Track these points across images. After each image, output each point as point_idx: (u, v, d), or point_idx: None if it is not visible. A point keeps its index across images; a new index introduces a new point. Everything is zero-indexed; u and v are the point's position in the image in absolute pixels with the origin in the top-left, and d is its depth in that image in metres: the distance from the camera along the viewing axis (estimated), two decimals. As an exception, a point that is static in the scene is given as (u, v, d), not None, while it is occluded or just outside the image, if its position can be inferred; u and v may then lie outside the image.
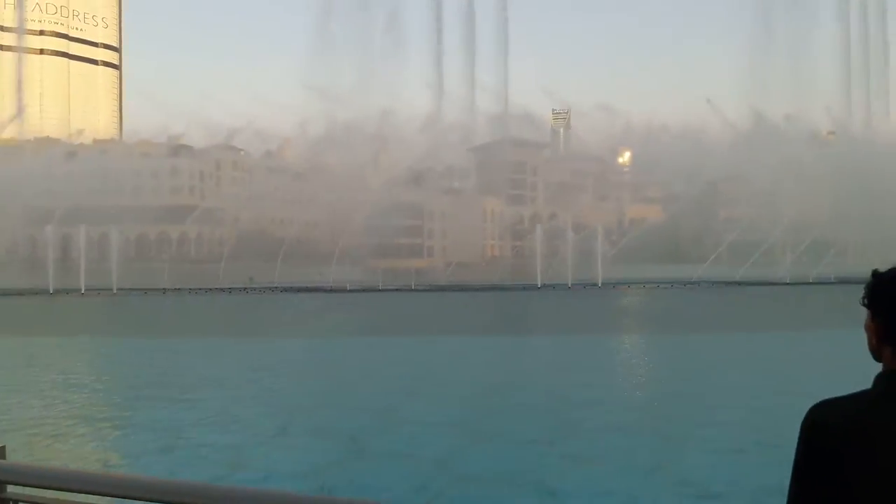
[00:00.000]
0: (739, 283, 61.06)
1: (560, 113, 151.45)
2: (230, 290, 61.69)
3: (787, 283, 60.50)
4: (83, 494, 2.70)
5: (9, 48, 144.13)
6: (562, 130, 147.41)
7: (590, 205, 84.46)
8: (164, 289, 61.62)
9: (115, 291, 60.41)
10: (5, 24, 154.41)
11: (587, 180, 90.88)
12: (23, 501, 2.76)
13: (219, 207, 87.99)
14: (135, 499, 2.57)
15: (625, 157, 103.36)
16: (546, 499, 9.69)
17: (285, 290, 60.94)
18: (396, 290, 61.21)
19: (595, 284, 62.53)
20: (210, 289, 62.14)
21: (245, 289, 62.51)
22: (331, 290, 60.09)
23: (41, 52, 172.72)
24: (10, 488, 2.81)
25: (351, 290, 60.48)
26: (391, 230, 75.79)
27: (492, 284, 63.99)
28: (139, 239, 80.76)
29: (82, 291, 60.69)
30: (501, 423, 13.85)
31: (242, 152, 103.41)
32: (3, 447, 3.06)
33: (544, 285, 62.35)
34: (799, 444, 1.61)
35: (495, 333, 31.30)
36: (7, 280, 56.02)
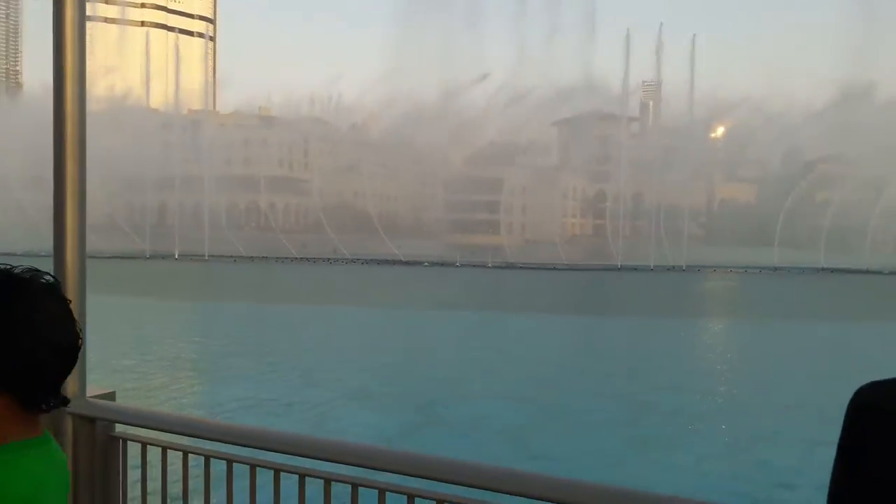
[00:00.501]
0: (832, 271, 58.31)
1: (650, 85, 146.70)
2: (314, 260, 63.53)
3: (884, 273, 57.33)
4: (177, 435, 3.04)
5: (113, 20, 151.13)
6: (651, 104, 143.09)
7: (678, 183, 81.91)
8: (251, 257, 64.03)
9: (206, 258, 63.27)
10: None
11: (676, 156, 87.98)
12: (130, 440, 3.13)
13: (305, 179, 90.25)
14: (224, 442, 2.88)
15: (717, 133, 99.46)
16: (615, 479, 9.77)
17: (367, 261, 62.29)
18: (473, 266, 61.46)
19: (679, 267, 61.01)
20: (295, 258, 64.24)
21: (329, 259, 64.23)
22: (408, 264, 61.00)
23: (142, 24, 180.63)
24: (119, 427, 3.19)
25: (428, 265, 61.17)
26: (469, 205, 75.89)
27: (570, 264, 63.32)
28: (230, 208, 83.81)
29: (176, 256, 63.84)
30: (573, 402, 13.95)
31: (330, 124, 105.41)
32: (114, 392, 3.45)
33: (624, 266, 61.27)
34: (844, 426, 1.48)
35: (571, 313, 31.17)
36: (107, 244, 59.39)
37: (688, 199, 74.86)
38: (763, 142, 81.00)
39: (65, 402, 1.46)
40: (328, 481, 2.66)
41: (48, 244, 3.17)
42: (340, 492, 2.66)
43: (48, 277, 1.44)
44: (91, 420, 3.09)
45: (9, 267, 1.43)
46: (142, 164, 73.72)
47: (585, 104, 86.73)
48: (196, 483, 2.93)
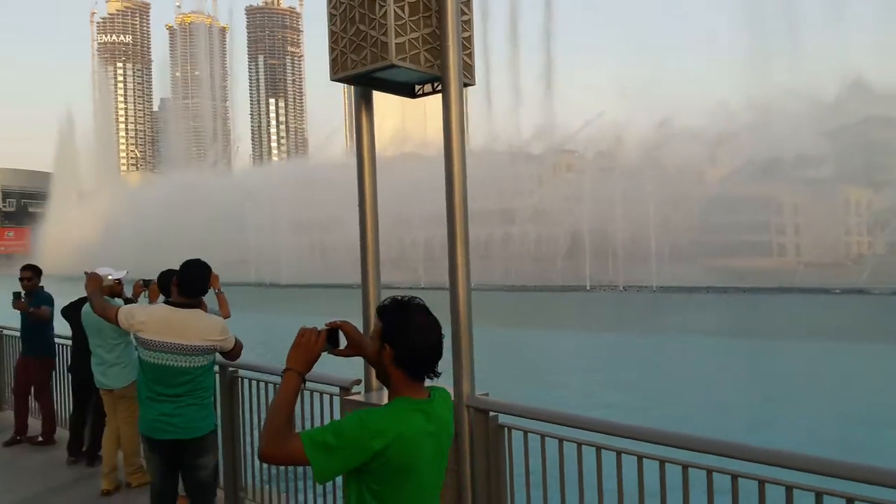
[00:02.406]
0: None
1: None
2: (572, 288, 64.47)
3: None
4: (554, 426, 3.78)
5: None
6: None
7: None
8: (512, 286, 66.67)
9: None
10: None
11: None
12: (514, 429, 3.95)
13: (554, 208, 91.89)
14: (594, 431, 3.55)
15: None
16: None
17: (625, 289, 61.75)
18: (744, 290, 57.57)
19: None
20: (556, 288, 65.75)
21: (589, 288, 64.74)
22: (661, 291, 59.20)
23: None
24: (502, 419, 4.02)
25: (684, 290, 58.64)
26: (733, 226, 71.63)
27: (857, 287, 56.61)
28: (488, 238, 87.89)
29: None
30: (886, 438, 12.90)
31: (576, 154, 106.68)
32: (488, 393, 4.32)
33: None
34: None
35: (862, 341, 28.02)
36: (394, 276, 65.15)
37: None
38: None
39: (437, 374, 2.45)
40: (710, 472, 3.18)
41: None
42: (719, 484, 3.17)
43: (419, 300, 2.45)
44: (484, 412, 3.96)
45: (398, 297, 2.47)
46: (403, 202, 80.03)
47: (860, 109, 78.05)
48: (570, 467, 3.63)
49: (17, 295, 8.38)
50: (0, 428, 9.14)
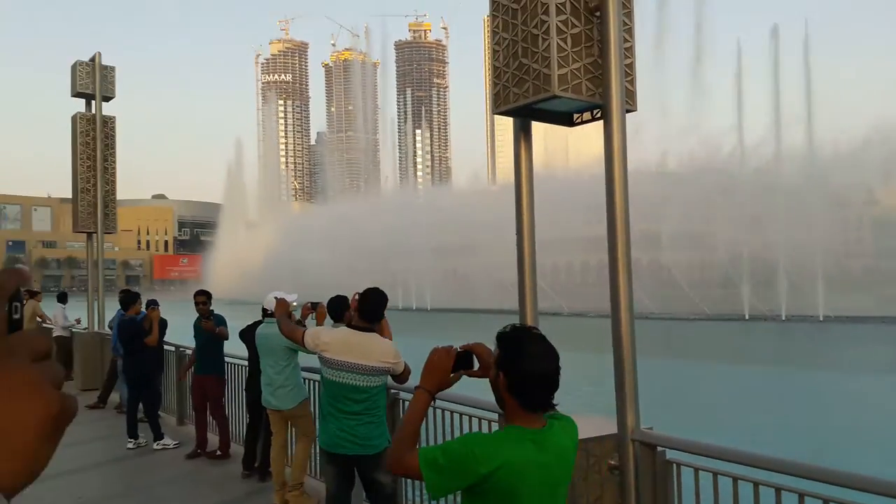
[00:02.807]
0: None
1: None
2: (727, 318, 60.99)
3: None
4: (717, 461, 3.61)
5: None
6: None
7: None
8: (661, 315, 64.09)
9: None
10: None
11: None
12: (682, 465, 3.81)
13: (708, 232, 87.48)
14: (771, 471, 3.36)
15: None
16: None
17: (789, 319, 57.61)
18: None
19: None
20: (706, 317, 62.48)
21: (764, 317, 60.97)
22: (829, 321, 54.46)
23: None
24: (668, 453, 3.90)
25: (855, 321, 53.57)
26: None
27: None
28: (634, 265, 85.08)
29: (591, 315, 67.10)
30: None
31: (732, 173, 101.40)
32: (651, 427, 4.20)
33: None
34: None
35: None
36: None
37: None
38: None
39: (552, 406, 2.39)
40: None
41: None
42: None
43: (536, 330, 2.44)
44: (651, 446, 3.86)
45: (517, 325, 2.47)
46: (543, 228, 79.20)
47: None
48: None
49: (204, 316, 9.23)
50: (184, 441, 9.97)
